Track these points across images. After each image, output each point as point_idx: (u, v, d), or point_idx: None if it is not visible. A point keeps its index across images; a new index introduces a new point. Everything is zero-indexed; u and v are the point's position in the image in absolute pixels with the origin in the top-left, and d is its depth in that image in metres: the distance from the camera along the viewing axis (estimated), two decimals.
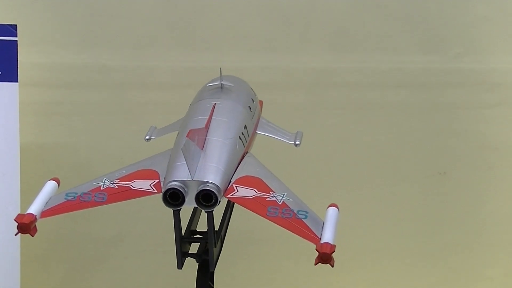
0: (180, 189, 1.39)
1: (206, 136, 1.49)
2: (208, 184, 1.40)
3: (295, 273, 2.59)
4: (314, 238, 1.33)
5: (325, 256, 1.30)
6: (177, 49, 2.44)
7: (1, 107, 1.93)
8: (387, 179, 2.58)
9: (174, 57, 2.44)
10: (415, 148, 2.58)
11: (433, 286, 2.64)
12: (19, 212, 1.91)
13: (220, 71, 1.69)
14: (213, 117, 1.56)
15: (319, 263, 1.31)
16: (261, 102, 1.84)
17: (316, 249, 1.30)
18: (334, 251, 1.30)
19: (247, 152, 1.59)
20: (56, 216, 2.34)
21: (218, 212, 1.64)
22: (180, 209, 1.44)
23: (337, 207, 1.43)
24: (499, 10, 2.53)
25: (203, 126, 1.51)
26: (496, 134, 2.58)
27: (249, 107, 1.67)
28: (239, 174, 1.48)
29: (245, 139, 1.58)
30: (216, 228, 1.59)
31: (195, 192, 1.40)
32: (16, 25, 1.95)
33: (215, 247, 1.52)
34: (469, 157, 2.59)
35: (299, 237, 1.35)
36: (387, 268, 2.63)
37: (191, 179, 1.40)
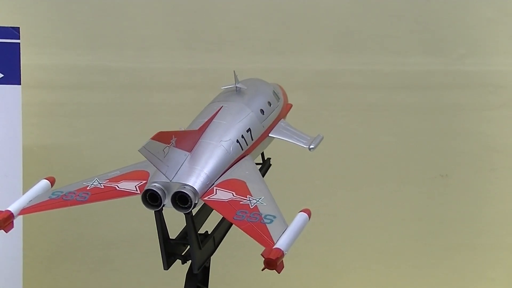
0: (158, 191, 1.41)
1: (198, 139, 1.50)
2: (185, 186, 1.41)
3: (298, 274, 2.59)
4: (268, 243, 1.32)
5: (269, 262, 1.27)
6: (180, 51, 2.44)
7: (4, 109, 1.94)
8: (390, 181, 2.58)
9: (177, 58, 2.44)
10: (418, 150, 2.58)
11: (436, 287, 2.65)
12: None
13: (235, 74, 1.70)
14: (214, 120, 1.57)
15: (266, 269, 1.29)
16: (289, 106, 1.85)
17: (261, 254, 1.29)
18: (279, 257, 1.28)
19: (247, 155, 1.59)
20: (59, 218, 2.38)
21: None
22: (160, 210, 1.45)
23: (308, 213, 1.40)
24: (502, 12, 2.53)
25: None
26: (499, 136, 2.58)
27: (261, 110, 1.67)
28: (227, 176, 1.49)
29: (245, 142, 1.58)
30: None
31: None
32: (19, 27, 1.96)
33: (200, 249, 1.51)
34: (472, 159, 2.59)
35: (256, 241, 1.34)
36: (389, 269, 2.63)
37: (169, 181, 1.41)
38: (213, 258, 1.61)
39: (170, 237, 1.53)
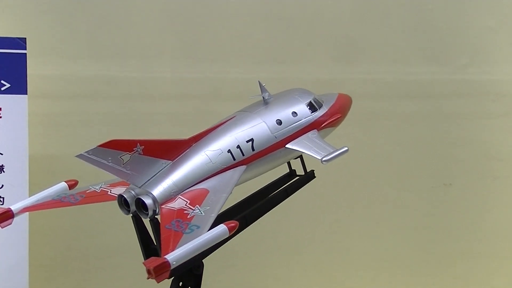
0: (127, 198, 1.46)
1: (187, 148, 1.52)
2: (148, 194, 1.44)
3: (300, 281, 2.59)
4: (166, 252, 1.31)
5: (148, 270, 1.27)
6: (183, 60, 2.46)
7: (10, 119, 1.94)
8: (393, 189, 2.59)
9: (181, 68, 2.45)
10: (420, 158, 2.59)
11: None
12: (28, 222, 1.95)
13: (260, 84, 1.68)
14: (217, 129, 1.58)
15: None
16: (336, 117, 1.75)
17: (142, 262, 1.29)
18: (157, 266, 1.26)
19: (244, 164, 1.57)
20: (64, 227, 2.38)
21: None
22: (135, 215, 1.48)
23: (231, 226, 1.37)
24: (504, 22, 2.54)
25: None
26: (502, 144, 2.59)
27: (279, 120, 1.62)
28: (199, 186, 1.50)
29: (241, 152, 1.56)
30: None
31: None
32: (25, 38, 1.96)
33: None
34: (474, 167, 2.59)
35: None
36: (392, 277, 2.63)
37: (139, 188, 1.45)
38: (210, 265, 1.60)
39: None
